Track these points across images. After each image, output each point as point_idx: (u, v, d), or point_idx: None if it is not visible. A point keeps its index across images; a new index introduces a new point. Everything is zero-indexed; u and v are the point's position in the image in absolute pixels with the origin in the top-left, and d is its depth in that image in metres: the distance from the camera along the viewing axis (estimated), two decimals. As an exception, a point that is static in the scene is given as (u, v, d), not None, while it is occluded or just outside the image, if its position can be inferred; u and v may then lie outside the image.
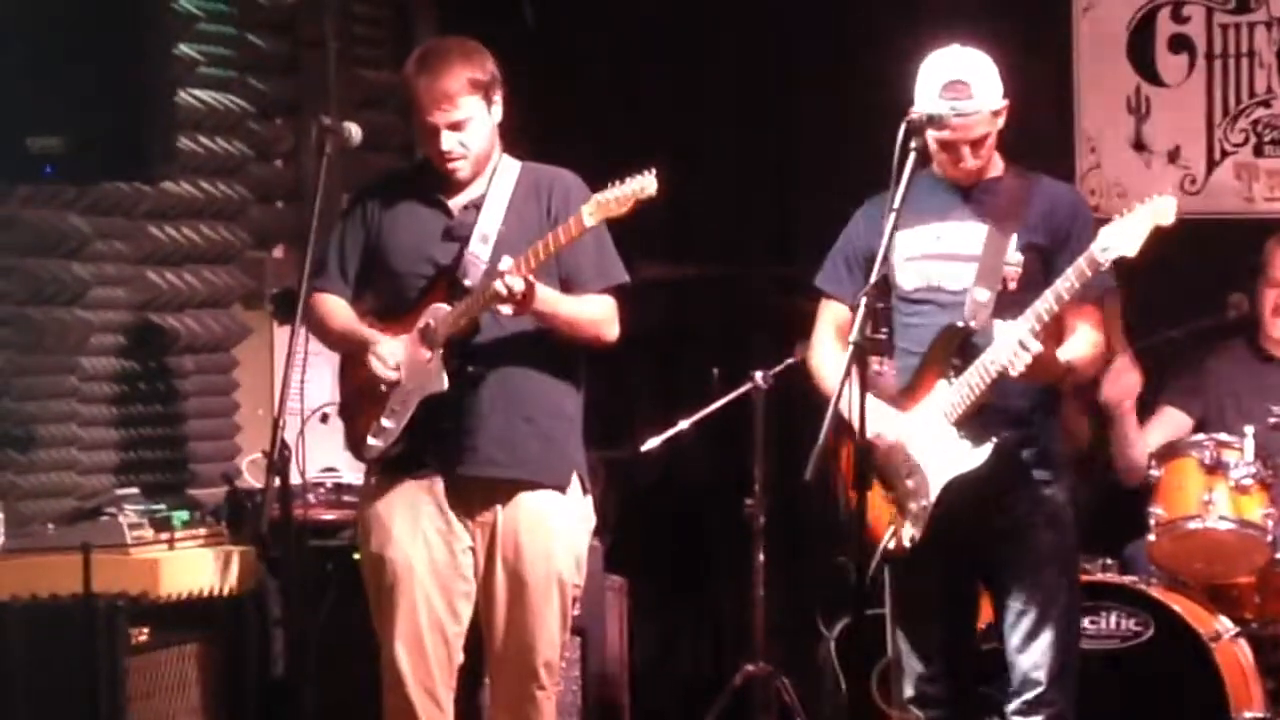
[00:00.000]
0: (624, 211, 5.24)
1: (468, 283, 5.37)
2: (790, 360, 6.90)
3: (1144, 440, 6.61)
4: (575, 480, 5.49)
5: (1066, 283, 5.02)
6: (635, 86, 7.77)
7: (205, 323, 6.90)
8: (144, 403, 6.71)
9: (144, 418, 6.70)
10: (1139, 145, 7.40)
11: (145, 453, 6.68)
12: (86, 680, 5.74)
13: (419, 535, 5.43)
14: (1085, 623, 5.88)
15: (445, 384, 5.36)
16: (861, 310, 4.90)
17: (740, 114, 7.77)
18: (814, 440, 4.80)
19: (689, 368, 7.43)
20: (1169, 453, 6.44)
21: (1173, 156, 7.37)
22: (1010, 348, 5.02)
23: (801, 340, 6.84)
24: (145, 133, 5.91)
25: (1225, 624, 6.29)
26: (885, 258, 5.10)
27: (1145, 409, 6.72)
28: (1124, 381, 6.50)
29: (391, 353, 5.41)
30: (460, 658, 5.53)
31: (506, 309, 5.26)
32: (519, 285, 5.21)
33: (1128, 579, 6.39)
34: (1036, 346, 5.01)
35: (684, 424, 6.92)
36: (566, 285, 5.42)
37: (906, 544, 5.22)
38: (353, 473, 6.19)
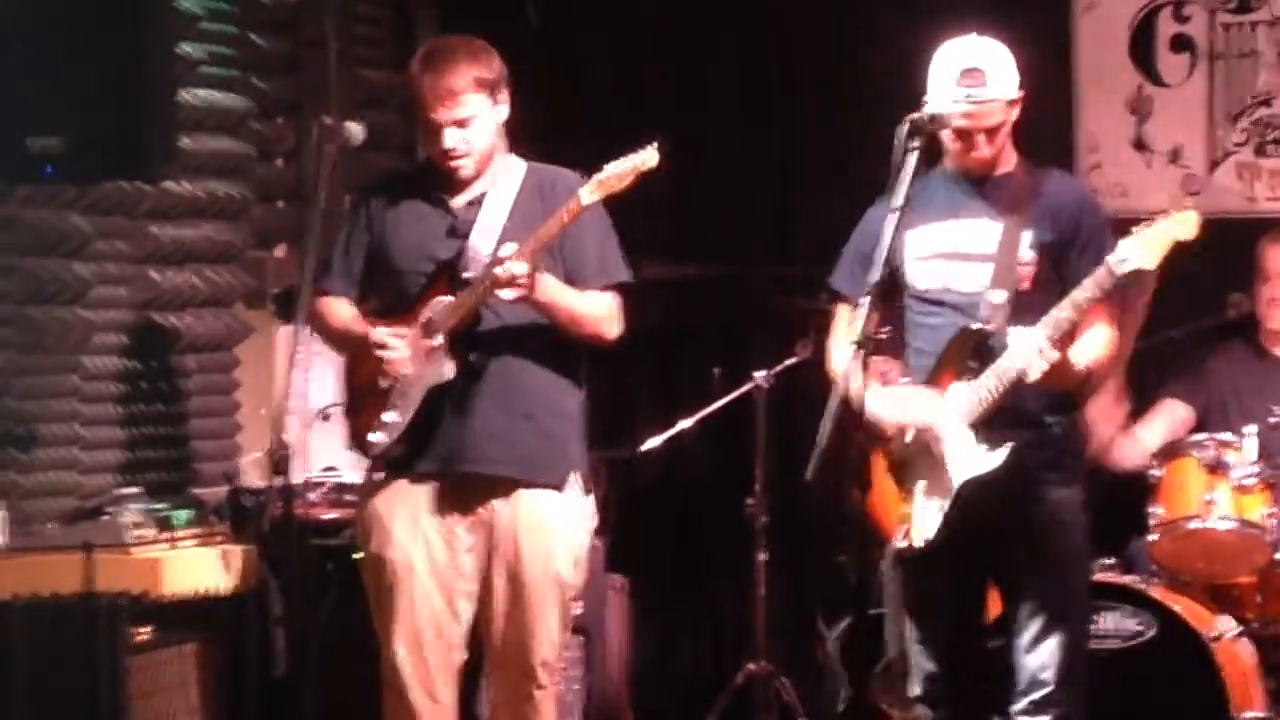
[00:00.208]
0: (625, 186, 5.23)
1: (469, 275, 5.37)
2: (791, 360, 6.91)
3: (1146, 435, 6.62)
4: (576, 480, 5.48)
5: (1085, 293, 5.00)
6: (637, 86, 7.77)
7: (207, 322, 6.90)
8: (145, 402, 6.71)
9: (145, 417, 6.70)
10: (1140, 145, 7.41)
11: (147, 452, 6.68)
12: (88, 679, 5.74)
13: (419, 535, 5.43)
14: (1086, 622, 5.88)
15: (451, 373, 5.36)
16: (864, 309, 4.90)
17: (742, 113, 7.78)
18: (815, 439, 4.79)
19: (690, 367, 7.43)
20: (1170, 452, 6.45)
21: (1174, 156, 7.37)
22: (1028, 356, 5.01)
23: (802, 340, 6.89)
24: (146, 132, 5.92)
25: (1227, 624, 6.29)
26: (889, 257, 5.10)
27: (1146, 404, 6.72)
28: (1109, 415, 6.53)
29: (400, 351, 5.40)
30: (461, 657, 5.53)
31: (508, 294, 5.25)
32: (521, 269, 5.20)
33: (1129, 579, 6.39)
34: (1054, 355, 5.00)
35: (685, 423, 6.93)
36: (569, 281, 5.41)
37: (920, 544, 5.21)
38: (354, 472, 6.19)
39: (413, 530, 5.43)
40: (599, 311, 5.43)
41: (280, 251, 7.28)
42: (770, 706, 6.92)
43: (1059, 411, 5.27)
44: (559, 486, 5.45)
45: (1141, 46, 7.40)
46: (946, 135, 5.25)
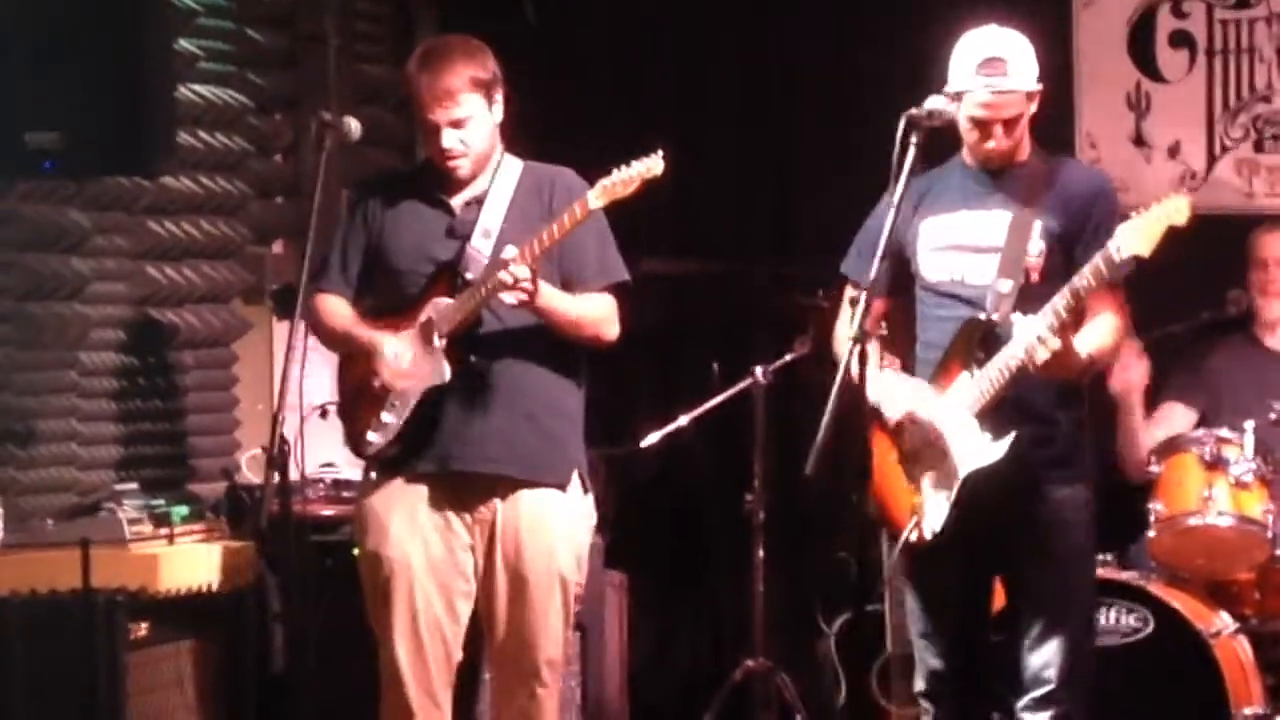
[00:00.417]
0: (630, 193, 5.23)
1: (469, 276, 5.37)
2: (790, 356, 6.91)
3: (1148, 437, 6.61)
4: (576, 478, 5.48)
5: (1083, 280, 5.00)
6: (636, 83, 7.77)
7: (205, 318, 6.90)
8: (143, 398, 6.71)
9: (143, 413, 6.70)
10: (1139, 141, 7.40)
11: (145, 448, 6.68)
12: (86, 675, 5.73)
13: (417, 533, 5.42)
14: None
15: (448, 375, 5.36)
16: (861, 304, 4.90)
17: (741, 110, 7.77)
18: (814, 435, 4.79)
19: (689, 363, 7.43)
20: (1169, 448, 6.44)
21: (1173, 152, 7.37)
22: (1030, 343, 5.01)
23: (801, 336, 6.89)
24: (144, 127, 5.91)
25: (1225, 620, 6.29)
26: (901, 249, 5.15)
27: (1148, 405, 6.72)
28: (1131, 373, 6.50)
29: (398, 353, 5.40)
30: (459, 656, 5.52)
31: (510, 298, 5.25)
32: (523, 273, 5.20)
33: (1128, 575, 6.39)
34: (1056, 343, 4.99)
35: (684, 419, 6.92)
36: (567, 283, 5.41)
37: (929, 535, 5.20)
38: (352, 468, 6.19)
39: (410, 528, 5.42)
40: (598, 314, 5.43)
41: (278, 247, 7.28)
42: (769, 703, 6.92)
43: (1066, 408, 5.26)
44: (561, 486, 5.45)
45: (1140, 42, 7.40)
46: (964, 125, 5.24)
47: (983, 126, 5.23)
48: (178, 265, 6.81)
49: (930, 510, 5.21)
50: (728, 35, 7.78)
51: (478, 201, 5.46)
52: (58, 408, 6.38)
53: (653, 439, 6.91)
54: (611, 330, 5.46)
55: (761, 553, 6.90)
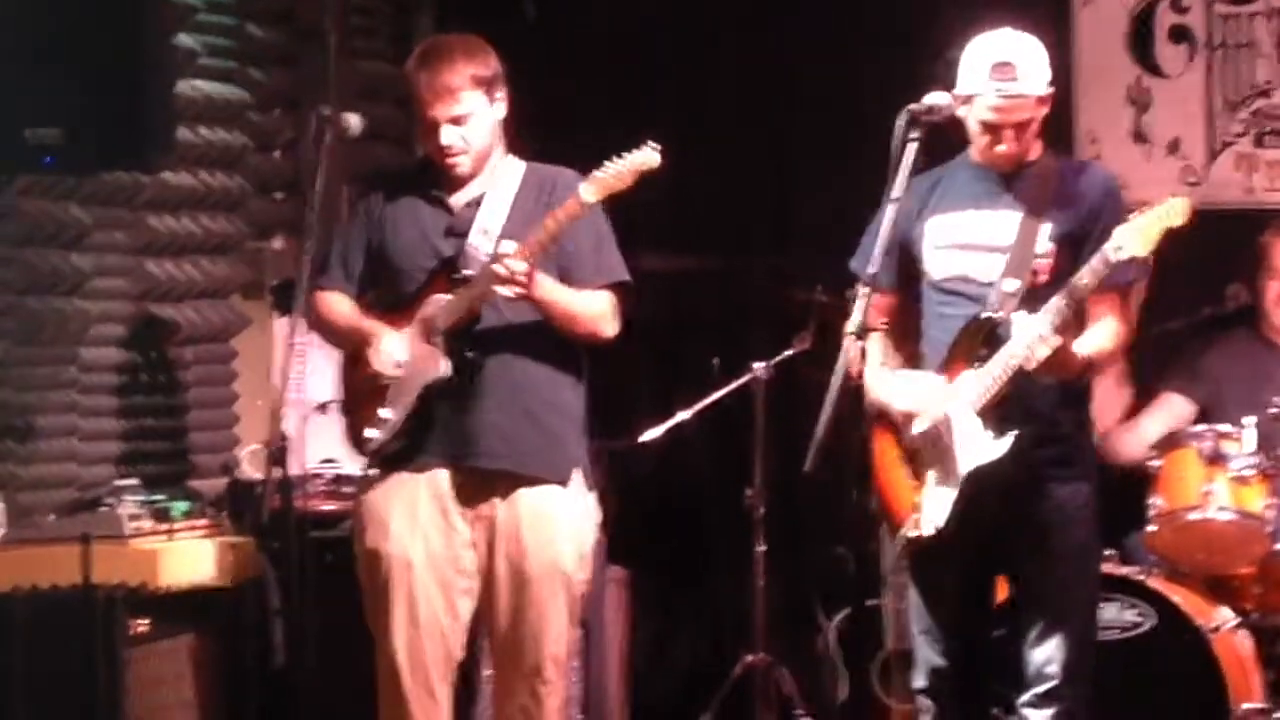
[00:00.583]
0: (625, 186, 5.22)
1: (468, 273, 5.37)
2: (790, 351, 6.91)
3: (1147, 427, 6.62)
4: (577, 476, 5.48)
5: (1082, 280, 4.99)
6: (635, 81, 7.76)
7: (205, 313, 6.90)
8: (143, 393, 6.71)
9: (143, 408, 6.70)
10: (1139, 137, 7.41)
11: (145, 443, 6.68)
12: (86, 671, 5.74)
13: (417, 530, 5.41)
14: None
15: (447, 370, 5.35)
16: (860, 300, 4.90)
17: (740, 107, 7.77)
18: (814, 431, 4.79)
19: (689, 359, 7.43)
20: (1169, 443, 6.44)
21: (1173, 148, 7.37)
22: (1029, 342, 5.01)
23: (801, 331, 6.89)
24: (144, 123, 5.91)
25: (1225, 615, 6.30)
26: (908, 246, 5.15)
27: (1146, 397, 6.72)
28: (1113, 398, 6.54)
29: (394, 348, 5.40)
30: (459, 654, 5.51)
31: (507, 292, 5.25)
32: (520, 267, 5.20)
33: (1128, 570, 6.39)
34: (1055, 341, 4.99)
35: (684, 415, 6.92)
36: (564, 280, 5.40)
37: (930, 532, 5.20)
38: (352, 464, 6.19)
39: (410, 525, 5.42)
40: (596, 310, 5.43)
41: (278, 243, 7.27)
42: (769, 698, 6.92)
43: (1068, 407, 5.26)
44: (561, 482, 5.44)
45: (1140, 38, 7.40)
46: (974, 129, 5.23)
47: (993, 130, 5.22)
48: (178, 261, 6.81)
49: (932, 507, 5.21)
50: (727, 33, 7.78)
51: (477, 201, 5.46)
52: (58, 403, 6.38)
53: (653, 434, 6.91)
54: (610, 328, 5.46)
55: (761, 548, 6.91)
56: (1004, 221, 5.25)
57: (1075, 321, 5.15)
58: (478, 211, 5.44)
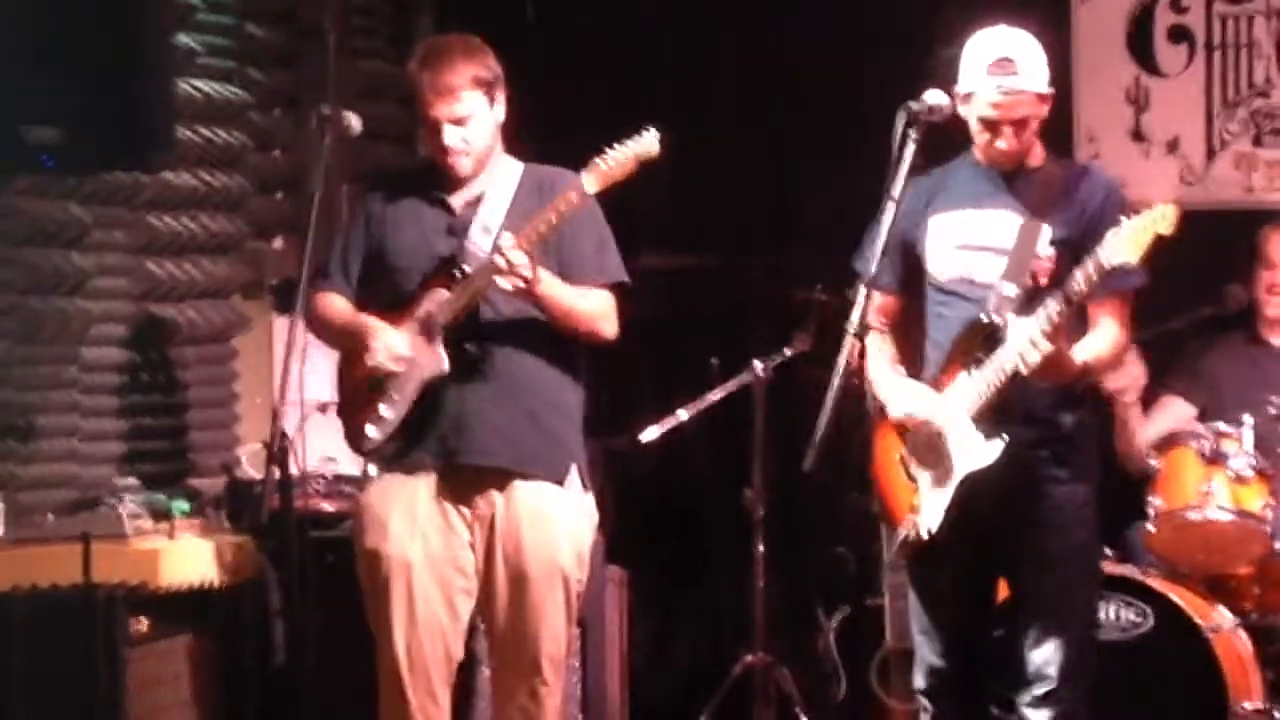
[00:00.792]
0: (625, 174, 5.23)
1: (468, 268, 5.37)
2: (790, 350, 6.91)
3: (1147, 430, 6.62)
4: (575, 475, 5.48)
5: (1075, 285, 4.99)
6: (635, 80, 7.76)
7: (205, 313, 6.90)
8: (144, 393, 6.71)
9: (144, 408, 6.70)
10: (1138, 136, 7.41)
11: (145, 443, 6.68)
12: (86, 670, 5.74)
13: (416, 531, 5.42)
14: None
15: (446, 366, 5.36)
16: (861, 299, 4.90)
17: (740, 106, 7.77)
18: (813, 430, 4.79)
19: (688, 358, 7.43)
20: (1168, 443, 6.45)
21: (1172, 147, 7.37)
22: (1022, 347, 5.00)
23: (801, 330, 6.89)
24: (144, 123, 5.91)
25: (1224, 615, 6.30)
26: (910, 245, 5.16)
27: (1147, 400, 6.72)
28: (1129, 373, 6.50)
29: (392, 343, 5.40)
30: (459, 654, 5.51)
31: (506, 284, 5.24)
32: (520, 259, 5.20)
33: (1127, 569, 6.39)
34: (1046, 346, 4.98)
35: (683, 414, 6.92)
36: (564, 276, 5.40)
37: (924, 535, 5.21)
38: (352, 464, 6.19)
39: (410, 526, 5.42)
40: (596, 309, 5.43)
41: (278, 243, 7.28)
42: (769, 698, 6.92)
43: (1066, 409, 5.26)
44: (560, 481, 5.45)
45: (1139, 37, 7.40)
46: (974, 126, 5.23)
47: (993, 127, 5.22)
48: (178, 260, 6.81)
49: (927, 509, 5.22)
50: (726, 32, 7.78)
51: (477, 201, 5.46)
52: (58, 403, 6.38)
53: (652, 434, 6.91)
54: (609, 328, 5.46)
55: (761, 548, 6.91)
56: (1004, 222, 5.25)
57: (1078, 326, 5.15)
58: (477, 212, 5.45)
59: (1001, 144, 5.23)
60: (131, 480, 6.25)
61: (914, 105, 5.01)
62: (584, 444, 5.54)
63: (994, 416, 5.11)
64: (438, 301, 5.39)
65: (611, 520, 6.86)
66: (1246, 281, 6.76)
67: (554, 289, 5.34)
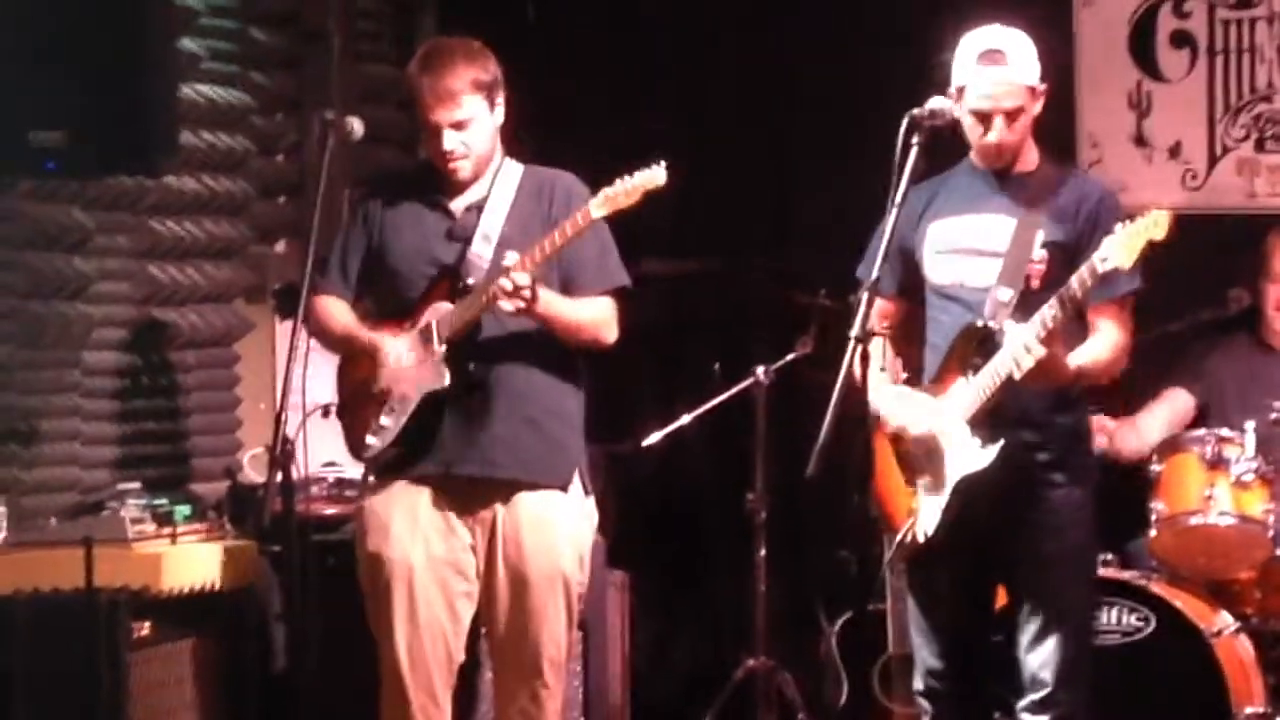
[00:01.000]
0: (632, 203, 5.24)
1: (470, 281, 5.37)
2: (792, 355, 6.91)
3: (1147, 422, 6.63)
4: (576, 478, 5.49)
5: (1069, 290, 5.00)
6: (636, 83, 7.77)
7: (207, 317, 6.90)
8: (146, 397, 6.71)
9: (146, 412, 6.70)
10: (1140, 141, 7.41)
11: (147, 447, 6.68)
12: (88, 675, 5.74)
13: (418, 534, 5.42)
14: (1089, 618, 5.88)
15: (447, 380, 5.36)
16: (863, 304, 4.90)
17: (741, 109, 7.77)
18: (816, 435, 4.79)
19: (690, 363, 7.44)
20: (1170, 448, 6.45)
21: (1174, 152, 7.37)
22: (1016, 351, 5.01)
23: (803, 335, 6.89)
24: (147, 127, 5.91)
25: (1226, 619, 6.30)
26: (910, 251, 5.16)
27: (1148, 397, 6.73)
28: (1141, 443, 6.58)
29: (398, 356, 5.40)
30: (460, 657, 5.52)
31: (508, 305, 5.26)
32: (524, 280, 5.21)
33: (1129, 574, 6.39)
34: (1040, 351, 4.98)
35: (685, 419, 6.92)
36: (566, 286, 5.42)
37: (921, 539, 5.22)
38: (354, 468, 6.19)
39: (411, 529, 5.43)
40: (598, 318, 5.44)
41: (281, 247, 7.28)
42: (770, 702, 6.92)
43: (1063, 412, 5.26)
44: (563, 487, 5.46)
45: (1141, 42, 7.40)
46: (968, 122, 5.24)
47: (984, 119, 5.23)
48: (180, 265, 6.81)
49: (924, 513, 5.23)
50: (727, 34, 7.78)
51: (478, 206, 5.47)
52: (60, 407, 6.39)
53: (654, 438, 6.91)
54: (610, 334, 5.47)
55: (763, 552, 6.90)
56: (998, 226, 5.26)
57: (1078, 331, 5.16)
58: (478, 216, 5.45)
59: (993, 136, 5.23)
60: (133, 484, 6.24)
61: (917, 111, 5.02)
62: (584, 448, 5.54)
63: (990, 421, 5.12)
64: (439, 315, 5.39)
65: (614, 524, 6.87)
66: (1249, 286, 6.76)
67: (555, 307, 5.34)
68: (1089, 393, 5.36)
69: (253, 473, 6.60)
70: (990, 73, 5.20)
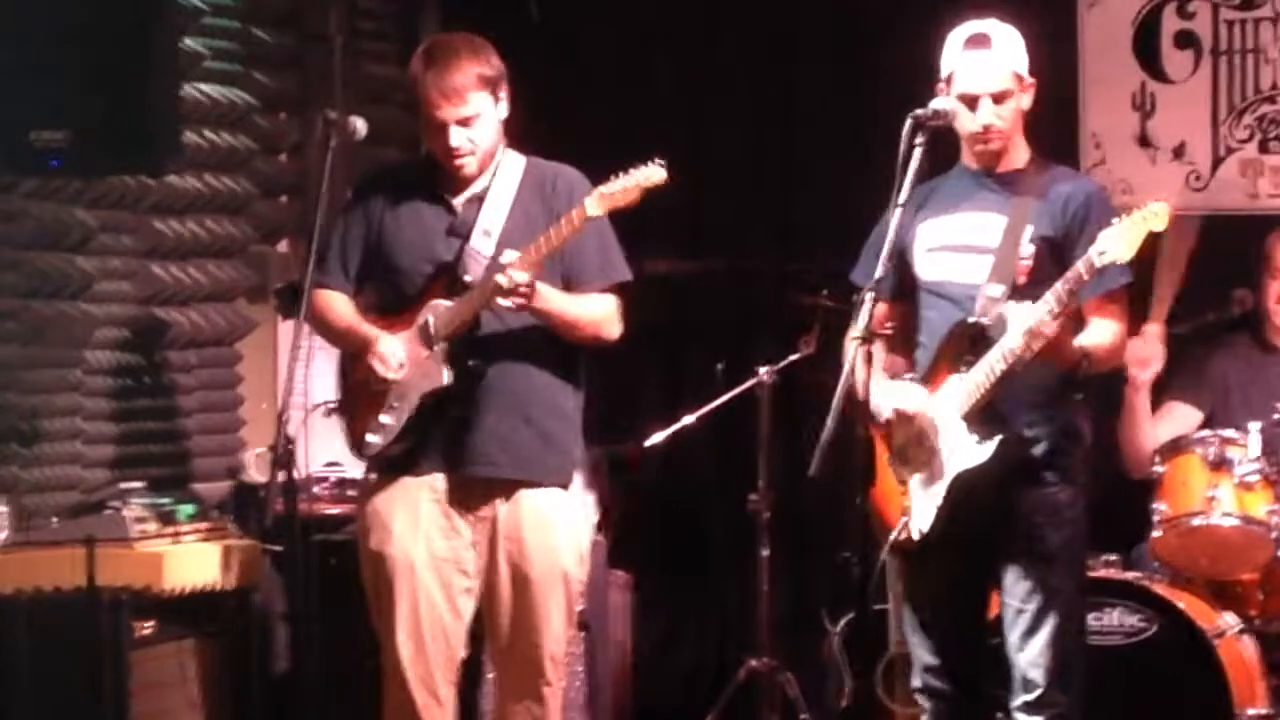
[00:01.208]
0: (630, 202, 5.23)
1: (469, 278, 5.36)
2: (795, 355, 6.91)
3: (1152, 434, 6.61)
4: (576, 477, 5.50)
5: (1066, 285, 5.00)
6: (640, 81, 7.77)
7: (209, 317, 6.90)
8: (148, 397, 6.71)
9: (148, 412, 6.70)
10: (1144, 142, 7.40)
11: (149, 447, 6.68)
12: (90, 674, 5.75)
13: (420, 532, 5.42)
14: (1089, 619, 5.86)
15: (447, 379, 5.36)
16: (865, 305, 4.90)
17: (745, 109, 7.77)
18: (819, 435, 4.79)
19: (693, 363, 7.43)
20: (1173, 449, 6.43)
21: (1178, 153, 7.36)
22: (1024, 328, 5.00)
23: (806, 335, 6.89)
24: (150, 127, 5.92)
25: (1229, 621, 6.29)
26: (899, 251, 5.16)
27: (1153, 406, 6.72)
28: (1148, 349, 6.50)
29: (393, 351, 5.40)
30: (462, 654, 5.52)
31: (508, 303, 5.25)
32: (523, 278, 5.20)
33: (1131, 575, 6.38)
34: (1053, 328, 4.99)
35: (688, 419, 6.92)
36: (568, 283, 5.41)
37: (915, 536, 5.22)
38: (356, 467, 6.19)
39: (413, 527, 5.42)
40: (599, 314, 5.43)
41: (283, 246, 7.28)
42: (773, 702, 6.91)
43: (1056, 410, 5.26)
44: (563, 485, 5.46)
45: (1145, 43, 7.39)
46: (959, 113, 5.23)
47: (970, 103, 5.24)
48: (183, 264, 6.82)
49: (918, 510, 5.23)
50: (731, 33, 7.78)
51: (479, 200, 5.45)
52: (63, 406, 6.39)
53: (658, 439, 6.91)
54: (613, 330, 5.46)
55: (766, 552, 6.90)
56: (987, 223, 5.27)
57: (1075, 328, 5.16)
58: (479, 211, 5.44)
59: (981, 116, 5.23)
60: (136, 484, 6.25)
61: (920, 112, 5.03)
62: (583, 446, 5.55)
63: (985, 417, 5.12)
64: (438, 312, 5.38)
65: (617, 524, 6.88)
66: (1252, 287, 6.75)
67: (555, 304, 5.33)
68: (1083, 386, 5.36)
69: (255, 472, 6.61)
70: (976, 55, 5.23)
